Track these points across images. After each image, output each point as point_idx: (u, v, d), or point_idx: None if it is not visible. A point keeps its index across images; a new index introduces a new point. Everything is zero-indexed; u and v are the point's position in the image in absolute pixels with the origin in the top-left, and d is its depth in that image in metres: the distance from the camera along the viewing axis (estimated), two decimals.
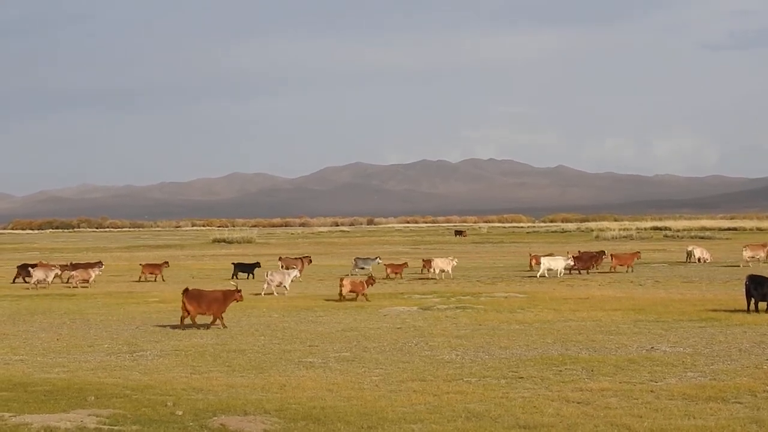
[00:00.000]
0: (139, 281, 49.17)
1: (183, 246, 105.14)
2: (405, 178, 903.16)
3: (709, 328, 25.41)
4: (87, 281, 46.56)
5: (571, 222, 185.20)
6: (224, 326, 27.18)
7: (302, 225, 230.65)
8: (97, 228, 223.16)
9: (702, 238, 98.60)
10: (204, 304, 27.37)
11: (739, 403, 15.72)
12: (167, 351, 22.98)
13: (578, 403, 15.89)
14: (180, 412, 15.20)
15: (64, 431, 13.74)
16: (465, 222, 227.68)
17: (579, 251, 54.92)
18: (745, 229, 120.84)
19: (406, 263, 51.10)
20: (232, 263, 52.81)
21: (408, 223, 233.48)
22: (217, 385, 18.11)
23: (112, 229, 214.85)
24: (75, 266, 49.91)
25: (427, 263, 49.12)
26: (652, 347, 22.20)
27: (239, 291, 28.31)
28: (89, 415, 14.95)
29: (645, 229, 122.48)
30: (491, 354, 21.67)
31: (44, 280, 45.48)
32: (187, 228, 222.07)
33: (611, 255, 53.25)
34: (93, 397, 16.52)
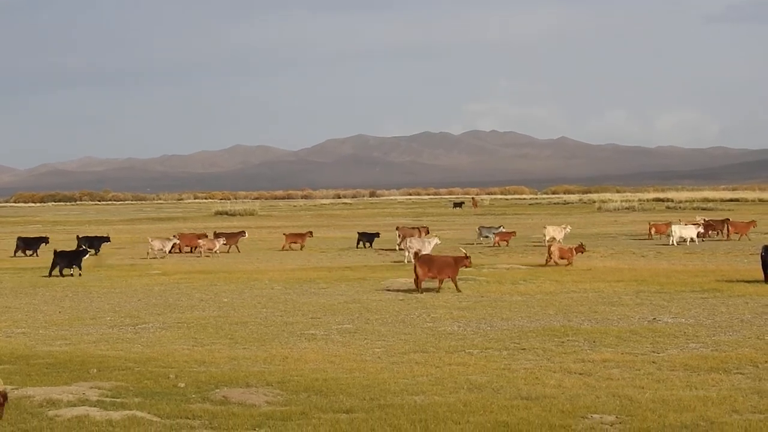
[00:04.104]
0: (282, 250, 49.37)
1: (185, 218, 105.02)
2: (407, 149, 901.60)
3: (711, 299, 25.42)
4: (212, 250, 46.61)
5: (574, 193, 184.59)
6: (458, 290, 27.89)
7: (304, 197, 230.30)
8: (99, 201, 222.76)
9: (704, 209, 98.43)
10: (435, 269, 28.22)
11: (741, 374, 15.73)
12: (169, 323, 23.01)
13: (580, 374, 15.90)
14: (182, 385, 15.23)
15: (66, 404, 13.76)
16: (468, 194, 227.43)
17: (704, 219, 55.77)
18: (747, 200, 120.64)
19: (514, 232, 51.87)
20: (357, 232, 53.47)
21: (410, 195, 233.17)
22: (219, 357, 18.14)
23: (114, 202, 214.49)
24: (218, 235, 49.89)
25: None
26: (654, 318, 22.21)
27: (468, 257, 28.99)
28: (91, 387, 14.98)
29: (647, 200, 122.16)
30: (493, 326, 21.69)
31: (161, 249, 45.57)
32: (189, 201, 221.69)
33: (728, 223, 53.57)
34: (95, 370, 16.56)
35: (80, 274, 35.62)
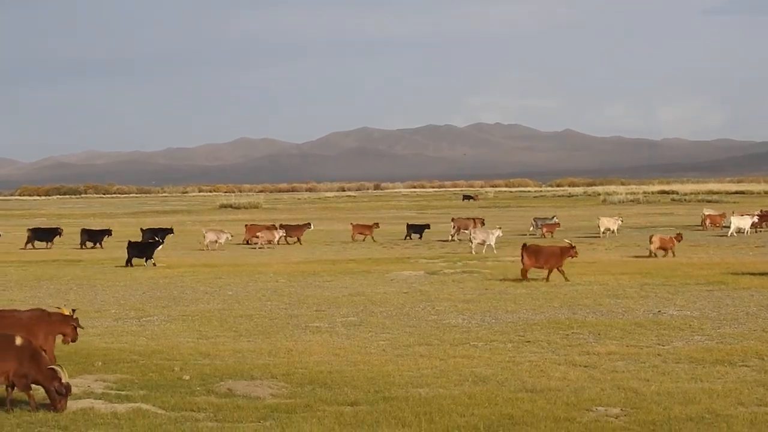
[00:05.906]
0: (352, 240, 49.42)
1: (190, 211, 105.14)
2: (411, 142, 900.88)
3: (717, 292, 25.38)
4: (271, 242, 46.52)
5: (578, 186, 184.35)
6: (566, 279, 28.18)
7: (309, 190, 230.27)
8: (104, 194, 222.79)
9: (709, 201, 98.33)
10: (542, 259, 28.70)
11: (747, 366, 15.72)
12: (174, 316, 23.02)
13: (585, 366, 15.90)
14: (187, 377, 15.24)
15: (72, 396, 13.73)
16: (471, 186, 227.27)
17: (761, 210, 56.30)
18: (752, 193, 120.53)
19: (558, 223, 52.28)
20: (407, 224, 53.02)
21: (414, 187, 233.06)
22: (224, 350, 18.15)
23: (118, 195, 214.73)
24: (282, 227, 49.71)
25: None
26: (659, 311, 22.19)
27: (574, 247, 29.24)
28: (96, 380, 15.01)
29: (652, 192, 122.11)
30: (498, 318, 21.68)
31: (216, 241, 45.62)
32: (194, 193, 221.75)
33: None
34: (100, 363, 16.57)
35: (154, 264, 36.50)
